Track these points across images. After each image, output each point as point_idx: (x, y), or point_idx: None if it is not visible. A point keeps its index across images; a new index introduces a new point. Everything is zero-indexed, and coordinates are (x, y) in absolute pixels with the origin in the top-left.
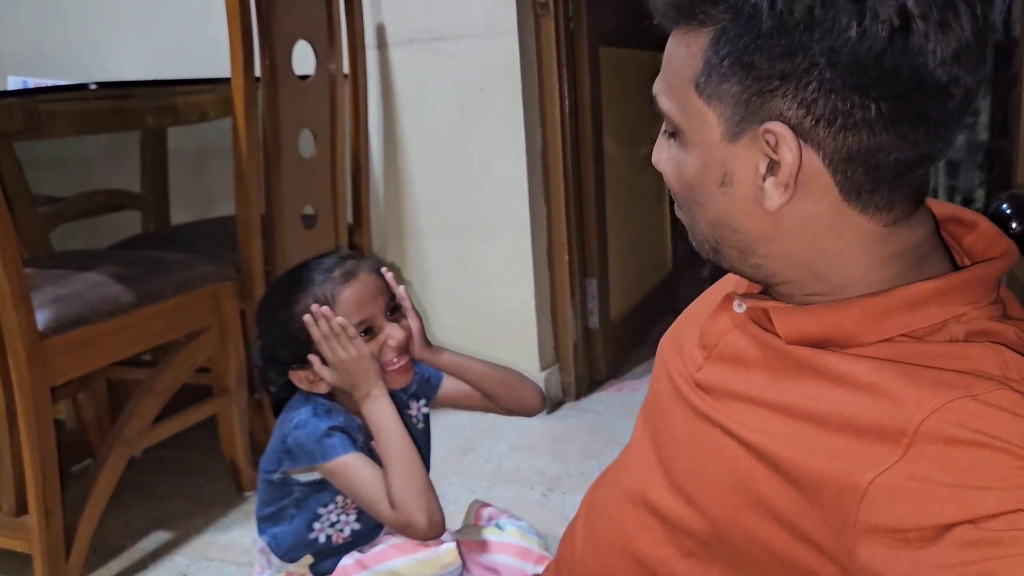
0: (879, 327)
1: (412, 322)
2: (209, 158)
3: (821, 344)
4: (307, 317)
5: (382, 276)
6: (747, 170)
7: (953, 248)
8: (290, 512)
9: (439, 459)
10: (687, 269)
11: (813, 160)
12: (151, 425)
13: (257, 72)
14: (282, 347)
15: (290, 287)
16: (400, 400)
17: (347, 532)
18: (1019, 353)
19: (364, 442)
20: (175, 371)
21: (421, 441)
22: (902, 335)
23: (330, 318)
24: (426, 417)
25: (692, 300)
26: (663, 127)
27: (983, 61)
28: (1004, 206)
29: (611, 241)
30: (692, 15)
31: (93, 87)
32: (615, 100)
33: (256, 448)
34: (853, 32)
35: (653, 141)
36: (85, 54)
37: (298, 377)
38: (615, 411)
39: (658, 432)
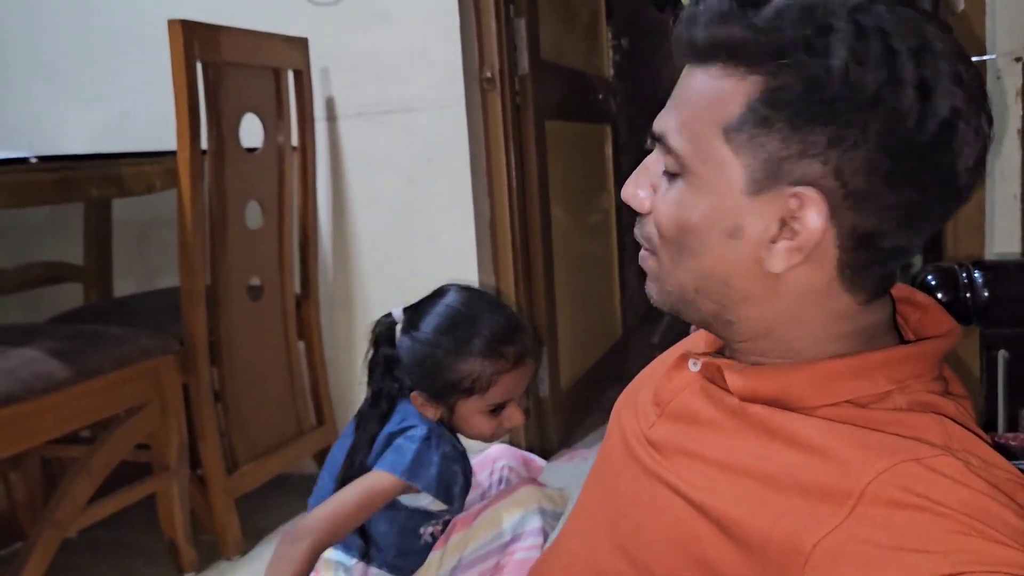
0: (826, 392)
1: None
2: (154, 229)
3: (772, 404)
4: None
5: (537, 361)
6: (760, 227)
7: (903, 328)
8: (395, 527)
9: None
10: (637, 335)
11: (828, 232)
12: (86, 505)
13: (204, 144)
14: (424, 374)
15: (466, 337)
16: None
17: (441, 524)
18: (961, 425)
19: (461, 464)
20: (112, 448)
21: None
22: (847, 401)
23: None
24: None
25: (643, 366)
26: (650, 161)
27: (983, 176)
28: (929, 277)
29: (560, 309)
30: (742, 56)
31: (34, 160)
32: (562, 171)
33: (197, 526)
34: (912, 120)
35: (601, 211)
36: (29, 127)
37: (419, 401)
38: (567, 481)
39: (606, 493)
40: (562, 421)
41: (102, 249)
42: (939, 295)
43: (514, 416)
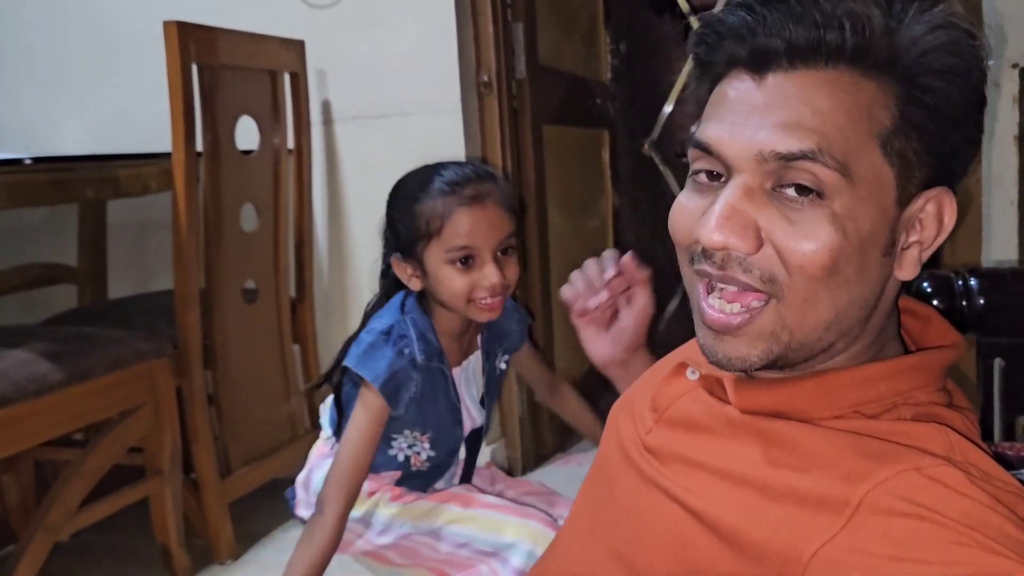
0: (831, 403)
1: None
2: (150, 231)
3: (774, 416)
4: None
5: (512, 209)
6: (900, 237)
7: (903, 338)
8: None
9: None
10: None
11: None
12: (78, 509)
13: (200, 146)
14: (393, 229)
15: (421, 181)
16: (494, 351)
17: (424, 457)
18: (964, 437)
19: (428, 378)
20: (105, 451)
21: (496, 393)
22: (854, 412)
23: None
24: (503, 372)
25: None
26: (737, 197)
27: None
28: (925, 284)
29: (556, 314)
30: (884, 63)
31: (28, 161)
32: (559, 176)
33: (190, 531)
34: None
35: (598, 216)
36: (30, 127)
37: (398, 265)
38: (562, 485)
39: (602, 499)
40: (557, 426)
41: (97, 251)
42: (935, 302)
43: (489, 273)
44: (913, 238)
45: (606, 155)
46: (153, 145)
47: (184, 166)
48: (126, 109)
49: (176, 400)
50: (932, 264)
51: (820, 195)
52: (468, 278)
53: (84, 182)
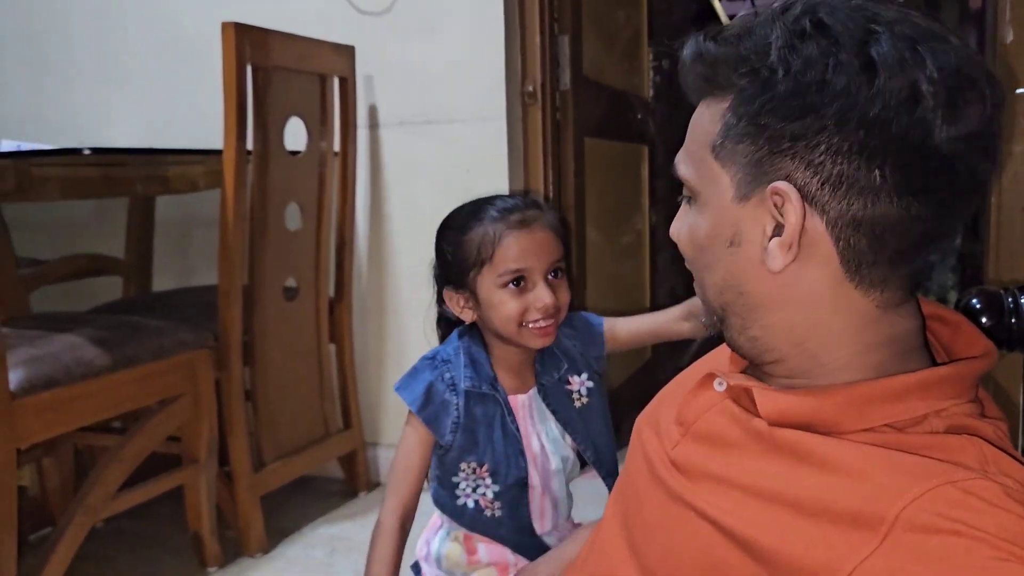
0: (861, 416)
1: None
2: (194, 227)
3: (803, 428)
4: None
5: (560, 235)
6: (754, 230)
7: (933, 346)
8: (436, 473)
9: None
10: (666, 357)
11: (817, 224)
12: (116, 493)
13: (249, 145)
14: (444, 263)
15: (470, 213)
16: (551, 379)
17: (491, 496)
18: (997, 447)
19: (477, 404)
20: (146, 437)
21: (581, 422)
22: (884, 425)
23: None
24: (591, 391)
25: None
26: (683, 204)
27: (992, 150)
28: (974, 301)
29: None
30: (716, 81)
31: (87, 152)
32: (598, 189)
33: (223, 521)
34: (862, 97)
35: (634, 231)
36: (82, 122)
37: (449, 296)
38: (589, 498)
39: (631, 514)
40: None
41: (143, 244)
42: (983, 319)
43: (541, 294)
44: (779, 231)
45: (645, 171)
46: (199, 143)
47: (235, 164)
48: (176, 107)
49: (216, 391)
50: (976, 284)
51: (693, 199)
52: (521, 301)
53: (134, 178)
